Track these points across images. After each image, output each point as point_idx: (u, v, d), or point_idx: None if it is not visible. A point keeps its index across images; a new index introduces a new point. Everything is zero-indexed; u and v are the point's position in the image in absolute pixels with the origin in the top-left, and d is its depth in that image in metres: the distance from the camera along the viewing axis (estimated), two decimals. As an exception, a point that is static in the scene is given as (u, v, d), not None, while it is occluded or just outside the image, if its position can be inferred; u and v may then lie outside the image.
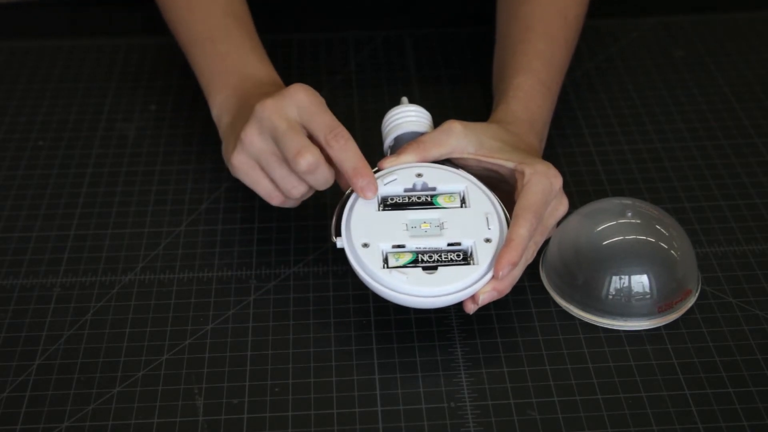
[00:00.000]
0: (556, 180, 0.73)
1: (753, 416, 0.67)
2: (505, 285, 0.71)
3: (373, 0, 1.12)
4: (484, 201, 0.74)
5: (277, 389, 0.70)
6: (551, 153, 0.89)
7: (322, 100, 0.76)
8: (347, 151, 0.73)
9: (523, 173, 0.73)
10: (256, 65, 0.86)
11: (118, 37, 1.09)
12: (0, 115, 0.98)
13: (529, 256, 0.73)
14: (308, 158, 0.72)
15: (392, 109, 0.80)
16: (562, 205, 0.75)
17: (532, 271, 0.78)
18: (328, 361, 0.72)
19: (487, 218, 0.72)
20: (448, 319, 0.75)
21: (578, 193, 0.86)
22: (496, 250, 0.71)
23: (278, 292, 0.77)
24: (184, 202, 0.86)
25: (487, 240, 0.71)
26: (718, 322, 0.74)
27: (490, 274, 0.70)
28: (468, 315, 0.74)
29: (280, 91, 0.76)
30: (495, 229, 0.72)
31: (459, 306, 0.75)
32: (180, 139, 0.94)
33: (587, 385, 0.70)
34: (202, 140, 0.93)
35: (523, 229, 0.70)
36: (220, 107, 0.84)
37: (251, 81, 0.83)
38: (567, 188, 0.85)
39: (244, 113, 0.79)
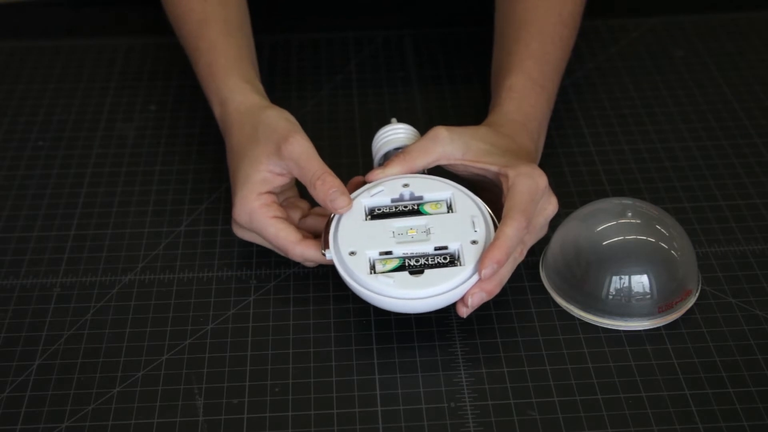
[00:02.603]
0: (540, 179, 0.73)
1: (753, 416, 0.67)
2: (493, 285, 0.71)
3: (373, 0, 1.12)
4: (470, 205, 0.74)
5: (277, 389, 0.70)
6: (551, 153, 0.89)
7: (294, 150, 0.75)
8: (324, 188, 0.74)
9: (507, 176, 0.73)
10: (235, 88, 0.83)
11: (118, 37, 1.09)
12: (0, 115, 0.98)
13: (517, 256, 0.73)
14: (297, 257, 0.75)
15: (381, 129, 0.81)
16: (551, 204, 0.75)
17: (532, 271, 0.78)
18: (328, 361, 0.72)
19: (473, 221, 0.72)
20: (448, 319, 0.75)
21: (578, 193, 0.86)
22: (483, 251, 0.71)
23: (278, 292, 0.77)
24: (184, 202, 0.86)
25: (474, 242, 0.71)
26: (718, 322, 0.74)
27: (477, 275, 0.70)
28: (468, 314, 0.74)
29: (247, 173, 0.76)
30: (481, 231, 0.72)
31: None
32: (180, 139, 0.94)
33: (587, 385, 0.70)
34: (202, 140, 0.93)
35: (510, 228, 0.70)
36: (221, 123, 0.85)
37: (231, 115, 0.82)
38: (567, 188, 0.86)
39: (232, 163, 0.80)
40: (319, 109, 0.96)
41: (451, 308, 0.75)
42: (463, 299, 0.70)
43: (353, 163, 0.89)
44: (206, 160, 0.91)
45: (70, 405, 0.69)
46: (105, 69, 1.04)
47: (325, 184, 0.73)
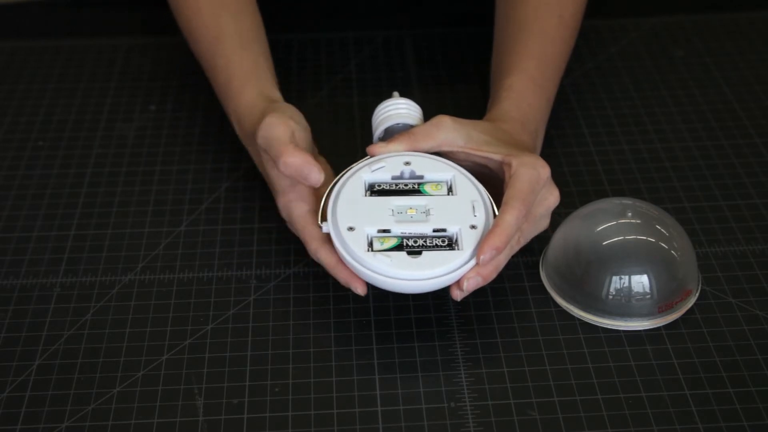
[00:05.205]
0: (543, 170, 0.74)
1: (753, 416, 0.68)
2: (489, 271, 0.71)
3: (373, 0, 1.12)
4: (471, 189, 0.74)
5: (277, 389, 0.70)
6: (551, 153, 0.89)
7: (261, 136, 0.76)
8: (287, 167, 0.74)
9: (510, 165, 0.74)
10: (250, 106, 0.83)
11: (118, 37, 1.09)
12: (0, 115, 0.98)
13: (514, 244, 0.73)
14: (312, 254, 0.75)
15: (383, 102, 0.80)
16: (552, 195, 0.75)
17: (532, 271, 0.78)
18: (328, 361, 0.72)
19: (473, 206, 0.73)
20: (448, 319, 0.75)
21: (578, 193, 0.86)
22: (482, 236, 0.71)
23: (278, 292, 0.77)
24: (184, 202, 0.86)
25: (473, 227, 0.71)
26: (718, 322, 0.74)
27: (474, 260, 0.70)
28: (468, 314, 0.74)
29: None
30: (481, 216, 0.72)
31: (459, 305, 0.75)
32: (180, 139, 0.94)
33: (587, 385, 0.70)
34: (202, 140, 0.93)
35: (509, 216, 0.71)
36: (242, 140, 0.85)
37: (250, 118, 0.82)
38: (567, 188, 0.86)
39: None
40: (319, 109, 0.96)
41: (451, 308, 0.75)
42: (458, 283, 0.71)
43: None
44: (206, 160, 0.91)
45: (70, 405, 0.69)
46: (105, 69, 1.04)
47: (287, 166, 0.73)
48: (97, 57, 1.06)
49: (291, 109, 0.80)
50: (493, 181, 0.76)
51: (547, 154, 0.86)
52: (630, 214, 0.75)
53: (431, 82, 1.01)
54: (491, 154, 0.75)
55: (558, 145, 0.91)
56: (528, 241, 0.76)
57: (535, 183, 0.73)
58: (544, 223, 0.77)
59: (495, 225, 0.70)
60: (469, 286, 0.70)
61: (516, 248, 0.74)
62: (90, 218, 0.85)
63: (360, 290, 0.72)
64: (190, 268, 0.80)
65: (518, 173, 0.73)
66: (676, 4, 1.12)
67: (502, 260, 0.72)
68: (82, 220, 0.85)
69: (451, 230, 0.72)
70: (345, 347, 0.73)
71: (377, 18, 1.10)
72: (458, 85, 1.00)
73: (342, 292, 0.77)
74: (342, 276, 0.73)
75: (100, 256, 0.81)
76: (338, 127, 0.94)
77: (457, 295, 0.71)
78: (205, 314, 0.76)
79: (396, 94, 0.81)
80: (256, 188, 0.87)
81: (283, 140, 0.75)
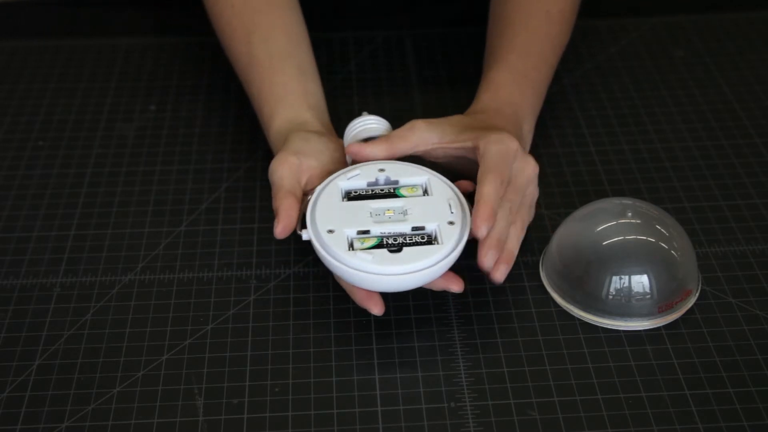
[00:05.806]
0: (511, 143, 0.75)
1: (753, 416, 0.67)
2: (495, 242, 0.72)
3: (373, 0, 1.12)
4: (446, 190, 0.75)
5: (277, 389, 0.70)
6: (551, 153, 0.89)
7: (276, 184, 0.77)
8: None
9: (478, 147, 0.75)
10: (277, 137, 0.83)
11: (118, 37, 1.09)
12: (0, 115, 0.98)
13: (508, 214, 0.74)
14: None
15: (352, 121, 0.81)
16: (529, 164, 0.76)
17: (532, 271, 0.78)
18: (328, 361, 0.72)
19: (449, 204, 0.73)
20: (448, 319, 0.75)
21: (578, 193, 0.86)
22: (461, 231, 0.72)
23: (278, 292, 0.77)
24: (184, 202, 0.86)
25: (451, 223, 0.72)
26: (718, 322, 0.74)
27: (455, 254, 0.71)
28: (468, 314, 0.74)
29: None
30: (458, 213, 0.73)
31: (459, 305, 0.75)
32: (180, 139, 0.94)
33: (587, 385, 0.70)
34: (202, 140, 0.93)
35: (486, 188, 0.71)
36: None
37: (277, 149, 0.82)
38: (567, 188, 0.86)
39: None
40: (319, 109, 0.96)
41: (451, 308, 0.75)
42: (483, 265, 0.72)
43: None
44: (206, 160, 0.91)
45: (70, 405, 0.69)
46: (105, 69, 1.04)
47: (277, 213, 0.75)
48: (97, 57, 1.06)
49: (301, 138, 0.80)
50: (475, 169, 0.76)
51: (547, 154, 0.86)
52: (630, 214, 0.75)
53: (431, 82, 1.01)
54: (463, 142, 0.76)
55: (558, 145, 0.91)
56: (527, 213, 0.77)
57: (504, 154, 0.74)
58: (534, 193, 0.78)
59: (476, 200, 0.71)
60: (489, 262, 0.72)
61: (515, 220, 0.74)
62: (90, 218, 0.85)
63: (376, 311, 0.73)
64: (190, 268, 0.80)
65: (486, 150, 0.74)
66: (676, 4, 1.12)
67: (503, 230, 0.73)
68: (82, 220, 0.85)
69: (430, 227, 0.72)
70: (345, 347, 0.73)
71: (377, 18, 1.10)
72: (458, 85, 1.00)
73: (342, 291, 0.77)
74: (357, 297, 0.73)
75: (100, 256, 0.81)
76: (338, 128, 0.94)
77: (498, 277, 0.73)
78: (205, 314, 0.76)
79: (365, 113, 0.82)
80: (256, 188, 0.87)
81: (278, 187, 0.76)
